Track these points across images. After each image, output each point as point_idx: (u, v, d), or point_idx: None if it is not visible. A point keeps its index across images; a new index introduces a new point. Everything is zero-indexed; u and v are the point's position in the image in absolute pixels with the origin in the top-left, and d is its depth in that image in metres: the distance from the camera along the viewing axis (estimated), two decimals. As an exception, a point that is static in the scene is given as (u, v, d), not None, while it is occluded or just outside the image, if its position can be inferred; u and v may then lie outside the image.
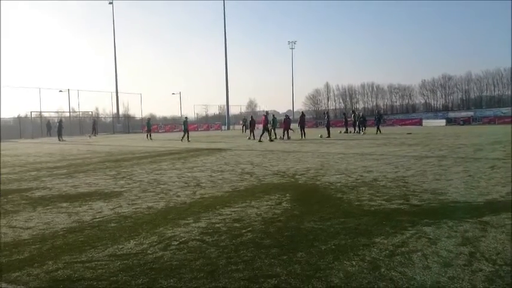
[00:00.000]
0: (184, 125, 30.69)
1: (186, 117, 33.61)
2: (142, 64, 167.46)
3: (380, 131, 33.06)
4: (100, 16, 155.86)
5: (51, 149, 24.86)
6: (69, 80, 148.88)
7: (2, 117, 48.95)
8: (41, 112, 54.50)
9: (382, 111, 49.96)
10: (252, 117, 34.20)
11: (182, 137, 29.94)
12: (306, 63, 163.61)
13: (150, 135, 35.85)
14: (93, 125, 49.80)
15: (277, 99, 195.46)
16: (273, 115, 33.51)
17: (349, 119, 37.24)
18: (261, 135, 28.01)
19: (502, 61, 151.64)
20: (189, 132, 31.09)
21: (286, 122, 29.56)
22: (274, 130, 30.05)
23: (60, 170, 12.79)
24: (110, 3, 64.27)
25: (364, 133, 32.98)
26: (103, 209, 6.87)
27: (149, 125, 37.01)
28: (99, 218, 6.23)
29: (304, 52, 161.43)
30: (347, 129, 36.13)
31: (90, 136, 43.63)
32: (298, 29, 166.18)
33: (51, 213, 6.61)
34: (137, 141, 31.82)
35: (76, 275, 3.88)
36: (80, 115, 61.31)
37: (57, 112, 59.83)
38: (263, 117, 29.34)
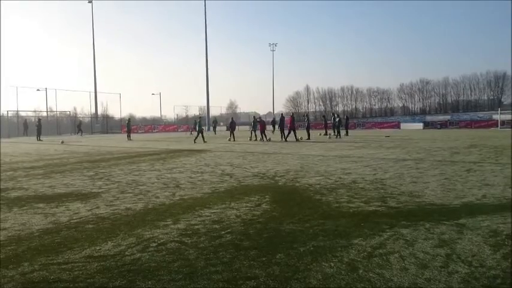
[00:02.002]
0: (199, 126, 29.67)
1: (200, 117, 33.00)
2: (121, 64, 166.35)
3: (340, 135, 31.91)
4: (79, 15, 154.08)
5: (27, 148, 24.44)
6: (46, 79, 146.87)
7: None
8: (17, 111, 53.65)
9: (347, 114, 49.85)
10: (232, 118, 34.20)
11: (196, 138, 28.78)
12: (286, 66, 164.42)
13: (130, 136, 35.64)
14: (79, 125, 49.50)
15: (258, 101, 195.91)
16: (254, 117, 33.59)
17: (329, 122, 37.41)
18: (295, 135, 28.64)
19: (478, 66, 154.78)
20: (202, 134, 29.19)
21: (261, 124, 29.71)
22: (254, 132, 30.15)
23: (36, 170, 12.58)
24: (89, 2, 63.56)
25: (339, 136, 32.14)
26: (80, 210, 6.78)
27: (129, 126, 36.77)
28: (76, 219, 6.14)
29: (285, 54, 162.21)
30: (326, 132, 36.37)
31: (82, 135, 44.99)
32: (279, 32, 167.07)
33: (27, 214, 6.50)
34: (116, 142, 31.52)
35: (52, 276, 3.82)
36: (58, 115, 60.46)
37: (34, 111, 58.97)
38: (290, 118, 29.66)
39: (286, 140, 27.53)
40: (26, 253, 4.54)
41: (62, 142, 30.98)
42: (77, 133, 48.38)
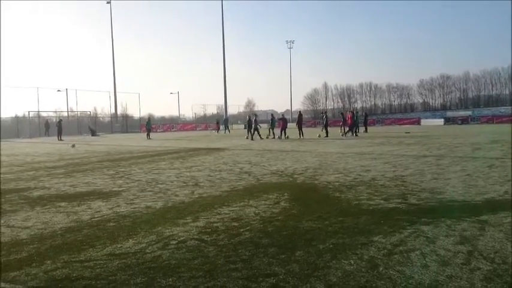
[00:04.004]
0: (255, 124, 29.55)
1: (255, 115, 32.67)
2: (140, 63, 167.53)
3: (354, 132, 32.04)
4: (98, 15, 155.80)
5: (49, 148, 24.82)
6: (67, 79, 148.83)
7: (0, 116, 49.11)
8: (39, 112, 54.50)
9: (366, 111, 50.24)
10: (249, 116, 34.12)
11: (252, 135, 28.86)
12: (304, 63, 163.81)
13: (149, 135, 35.90)
14: (92, 130, 50.07)
15: (276, 99, 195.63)
16: (272, 115, 33.53)
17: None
18: (350, 131, 30.54)
19: (500, 60, 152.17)
20: (259, 132, 29.36)
21: (283, 122, 29.79)
22: (273, 130, 30.12)
23: (58, 170, 12.77)
24: (108, 2, 64.17)
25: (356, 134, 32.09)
26: (101, 208, 6.87)
27: (149, 125, 37.06)
28: (97, 217, 6.22)
29: (302, 52, 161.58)
30: (344, 129, 36.04)
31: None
32: (296, 29, 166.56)
33: (49, 213, 6.60)
34: (135, 141, 31.80)
35: (74, 274, 3.88)
36: (78, 115, 61.25)
37: (55, 112, 59.78)
38: (349, 115, 31.56)
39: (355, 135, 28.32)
40: (48, 251, 4.61)
41: (73, 145, 26.05)
42: (89, 134, 49.03)
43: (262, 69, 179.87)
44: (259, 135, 28.79)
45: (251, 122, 30.74)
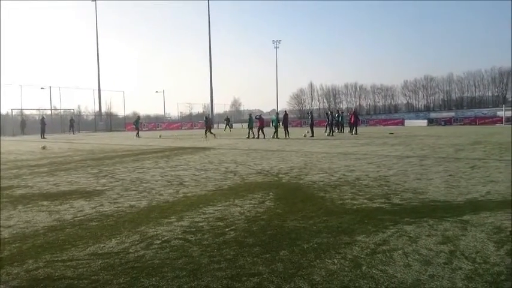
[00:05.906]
0: (276, 122, 29.50)
1: (277, 113, 32.45)
2: (125, 61, 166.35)
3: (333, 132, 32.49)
4: (83, 12, 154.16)
5: (32, 146, 24.51)
6: (50, 77, 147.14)
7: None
8: (22, 109, 53.80)
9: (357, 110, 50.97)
10: (207, 116, 34.81)
11: (275, 134, 28.70)
12: (290, 63, 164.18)
13: (138, 134, 35.63)
14: (71, 122, 49.19)
15: (262, 99, 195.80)
16: (250, 114, 33.57)
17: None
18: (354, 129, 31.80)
19: (483, 62, 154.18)
20: (276, 130, 29.00)
21: (260, 121, 29.73)
22: (251, 129, 30.10)
23: (41, 168, 12.62)
24: (93, 0, 63.61)
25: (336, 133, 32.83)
26: (84, 207, 6.81)
27: (137, 124, 36.76)
28: (80, 216, 6.17)
29: (288, 52, 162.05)
30: (332, 129, 36.15)
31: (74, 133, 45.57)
32: (283, 29, 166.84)
33: (31, 212, 6.53)
34: (120, 139, 31.56)
35: (57, 273, 3.84)
36: (62, 113, 60.57)
37: (38, 109, 59.01)
38: (352, 112, 33.16)
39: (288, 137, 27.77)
40: (30, 250, 4.56)
41: (44, 147, 22.59)
42: (70, 131, 48.31)
43: (248, 68, 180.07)
44: (276, 134, 28.77)
45: (208, 121, 31.66)
